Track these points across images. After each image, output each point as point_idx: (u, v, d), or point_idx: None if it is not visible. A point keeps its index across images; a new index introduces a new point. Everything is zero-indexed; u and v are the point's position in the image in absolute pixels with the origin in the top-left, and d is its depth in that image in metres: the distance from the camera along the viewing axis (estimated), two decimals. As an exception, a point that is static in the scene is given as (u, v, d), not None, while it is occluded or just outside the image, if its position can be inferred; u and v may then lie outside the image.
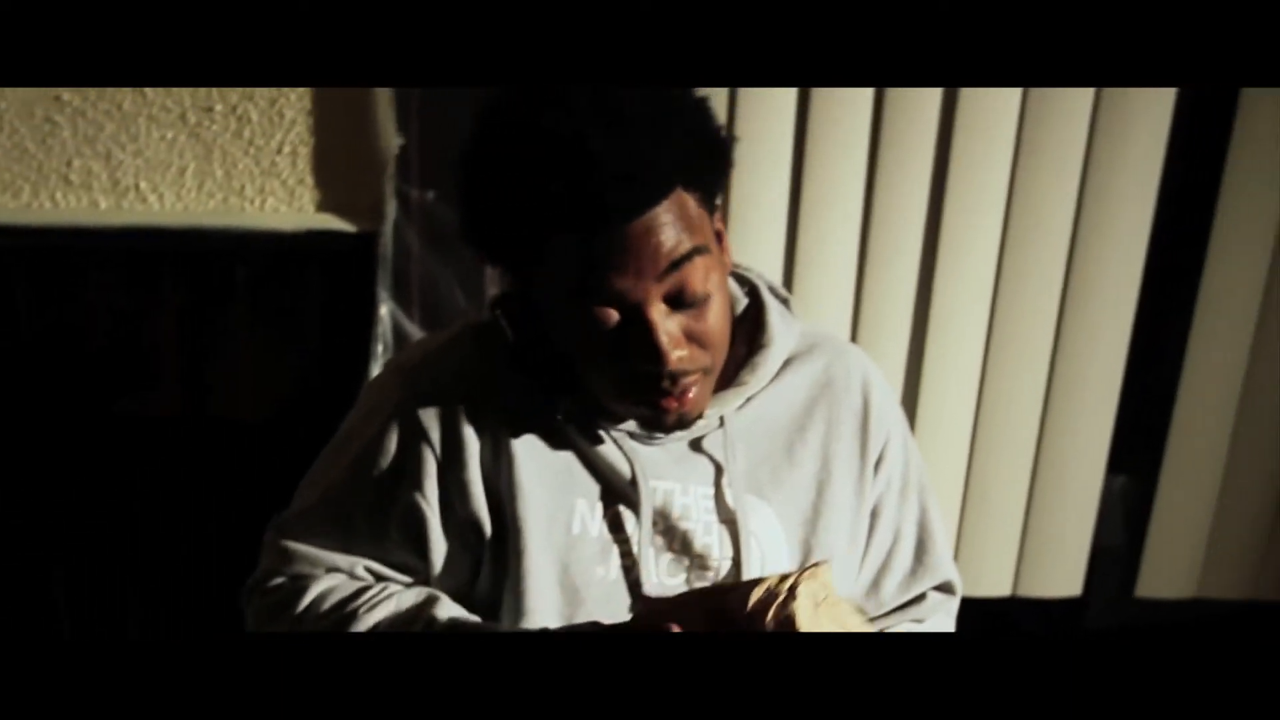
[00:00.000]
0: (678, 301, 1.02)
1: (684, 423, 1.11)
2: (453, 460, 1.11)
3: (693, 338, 1.04)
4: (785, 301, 1.21)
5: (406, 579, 1.16)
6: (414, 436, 1.11)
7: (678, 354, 1.02)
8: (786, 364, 1.19)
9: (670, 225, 0.99)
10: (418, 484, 1.11)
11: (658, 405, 1.06)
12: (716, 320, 1.05)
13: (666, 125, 0.99)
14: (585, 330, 1.03)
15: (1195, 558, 2.16)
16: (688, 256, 1.01)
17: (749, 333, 1.18)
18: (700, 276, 1.02)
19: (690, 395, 1.06)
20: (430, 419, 1.11)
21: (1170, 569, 2.17)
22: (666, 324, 1.02)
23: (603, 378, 1.06)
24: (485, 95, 1.06)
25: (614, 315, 1.02)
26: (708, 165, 1.05)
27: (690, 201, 1.02)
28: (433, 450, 1.11)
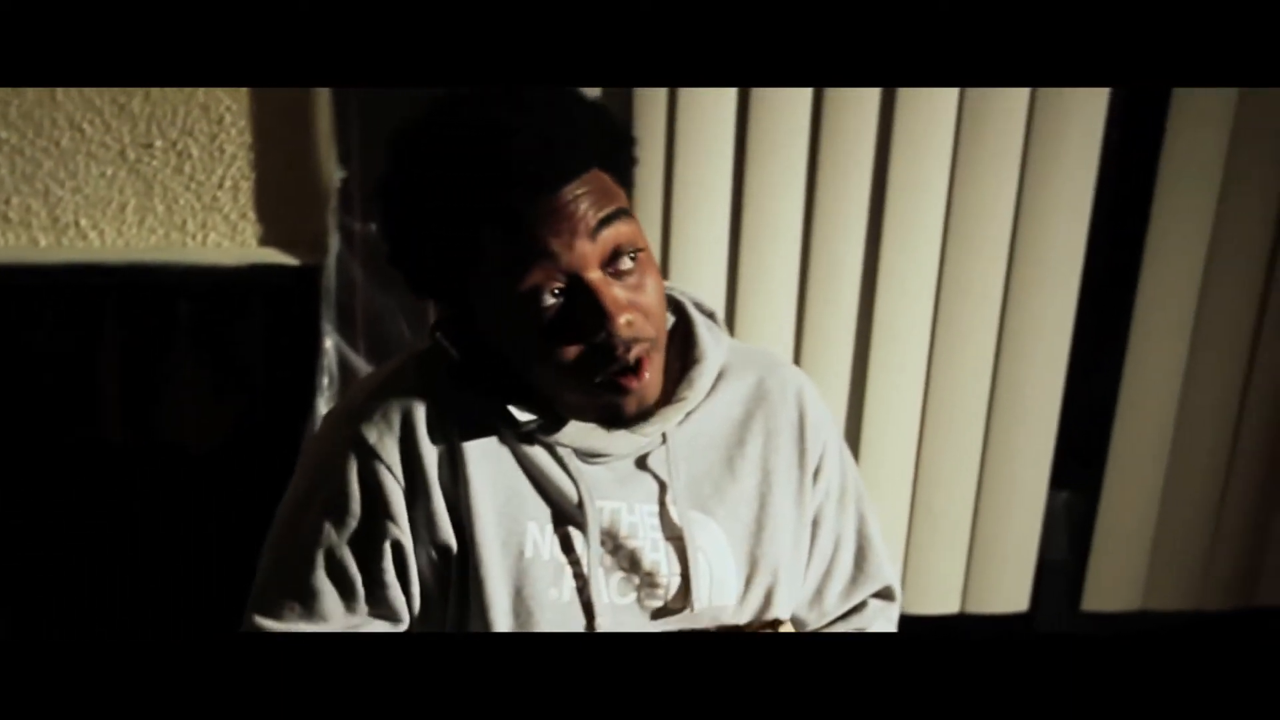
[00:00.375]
0: (615, 265, 1.05)
1: (644, 410, 1.11)
2: (416, 489, 1.11)
3: (635, 306, 1.05)
4: (711, 316, 1.23)
5: (401, 628, 1.15)
6: (376, 470, 1.10)
7: (625, 317, 1.03)
8: (720, 378, 1.20)
9: (594, 191, 1.04)
10: (392, 515, 1.10)
11: (618, 385, 1.07)
12: (654, 292, 1.07)
13: (573, 110, 1.05)
14: (531, 317, 1.04)
15: (1139, 570, 2.19)
16: (616, 214, 1.04)
17: (680, 349, 1.19)
18: (630, 236, 1.05)
19: (646, 372, 1.07)
20: (389, 451, 1.10)
21: (1115, 582, 2.20)
22: (609, 290, 1.04)
23: (556, 368, 1.06)
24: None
25: (555, 283, 1.03)
26: (616, 149, 1.09)
27: (607, 178, 1.06)
28: (396, 481, 1.10)
